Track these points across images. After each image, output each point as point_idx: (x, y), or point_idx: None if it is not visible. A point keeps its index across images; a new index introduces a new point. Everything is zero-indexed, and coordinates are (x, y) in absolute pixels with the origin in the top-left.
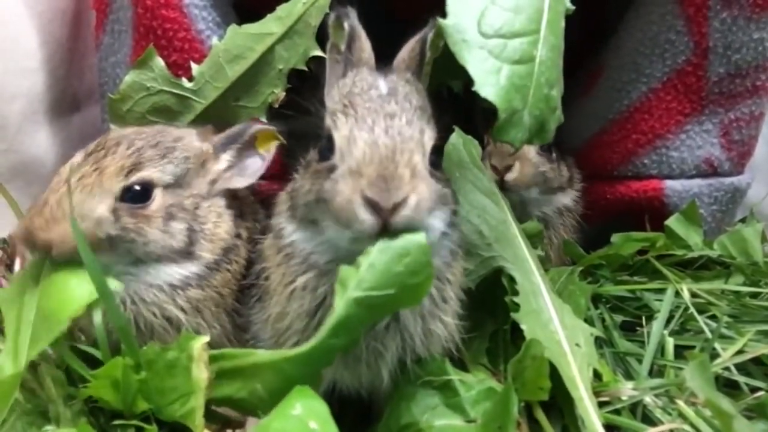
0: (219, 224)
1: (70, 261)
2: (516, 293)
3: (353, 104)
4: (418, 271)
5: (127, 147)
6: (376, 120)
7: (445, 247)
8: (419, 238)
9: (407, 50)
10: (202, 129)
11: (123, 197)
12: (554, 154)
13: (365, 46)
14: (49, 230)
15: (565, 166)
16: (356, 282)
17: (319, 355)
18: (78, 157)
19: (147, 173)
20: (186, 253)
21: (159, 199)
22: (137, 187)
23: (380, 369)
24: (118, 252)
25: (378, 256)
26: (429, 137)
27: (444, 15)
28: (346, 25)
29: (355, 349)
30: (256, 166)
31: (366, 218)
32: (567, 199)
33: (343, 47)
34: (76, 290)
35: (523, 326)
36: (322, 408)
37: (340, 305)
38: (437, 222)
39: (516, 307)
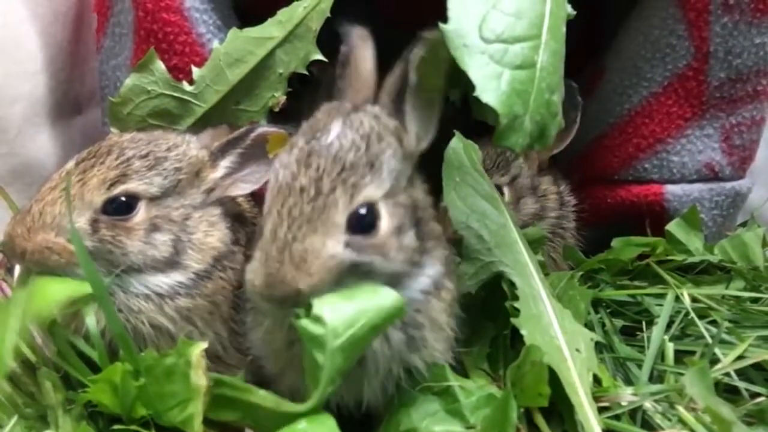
0: (210, 233)
1: (46, 272)
2: (516, 298)
3: (280, 162)
4: (371, 290)
5: (116, 157)
6: (288, 197)
7: (413, 291)
8: None
9: (391, 77)
10: (215, 130)
11: (105, 209)
12: (507, 197)
13: (361, 70)
14: (28, 239)
15: (532, 199)
16: (331, 334)
17: (320, 403)
18: (70, 164)
19: (131, 186)
20: (172, 263)
21: (143, 211)
22: (122, 199)
23: (364, 390)
24: (99, 263)
25: (333, 300)
26: (368, 191)
27: (445, 19)
28: (342, 46)
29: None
30: (261, 171)
31: (267, 307)
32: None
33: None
34: (49, 293)
35: (523, 331)
36: (327, 419)
37: (326, 362)
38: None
39: (516, 312)
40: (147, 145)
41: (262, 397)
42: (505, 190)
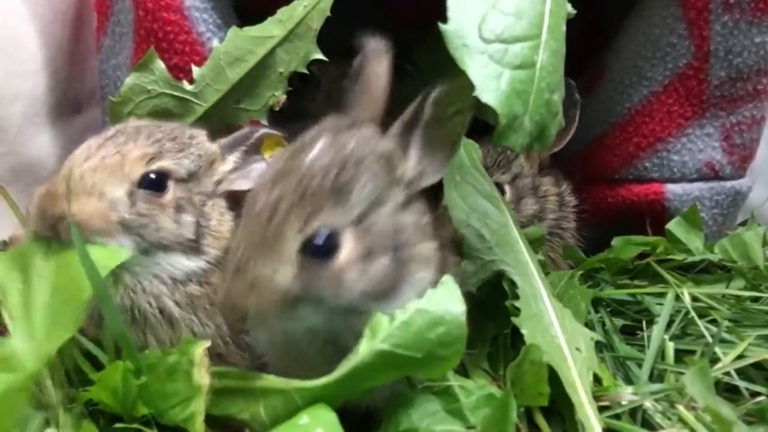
0: (222, 222)
1: (79, 238)
2: (517, 297)
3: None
4: (449, 344)
5: (147, 136)
6: (249, 219)
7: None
8: (458, 309)
9: (411, 107)
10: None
11: (141, 184)
12: (509, 196)
13: (372, 86)
14: (68, 202)
15: (532, 199)
16: (385, 335)
17: (330, 392)
18: (94, 141)
19: (166, 164)
20: (194, 246)
21: (172, 190)
22: (153, 176)
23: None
24: (131, 237)
25: (415, 316)
26: (325, 218)
27: (445, 20)
28: (356, 59)
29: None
30: (260, 169)
31: None
32: None
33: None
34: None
35: (523, 331)
36: (329, 415)
37: (364, 351)
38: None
39: (516, 311)
40: (173, 130)
41: (270, 380)
42: (507, 188)
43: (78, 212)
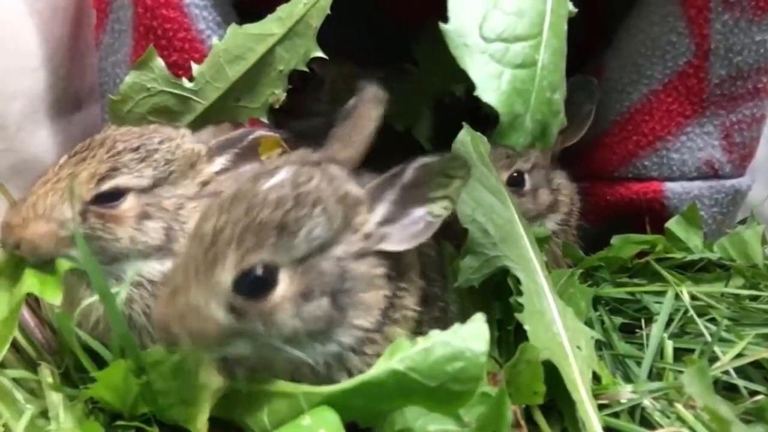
0: None
1: (39, 259)
2: (520, 294)
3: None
4: (464, 380)
5: (107, 150)
6: (193, 240)
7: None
8: (481, 349)
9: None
10: (217, 128)
11: (93, 202)
12: (528, 185)
13: (358, 130)
14: (22, 229)
15: (547, 190)
16: (403, 356)
17: (337, 401)
18: (64, 158)
19: (120, 180)
20: (165, 251)
21: (132, 200)
22: (106, 193)
23: None
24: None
25: (436, 346)
26: (263, 255)
27: (445, 19)
28: (352, 100)
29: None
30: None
31: None
32: (550, 224)
33: None
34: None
35: (526, 327)
36: (331, 416)
37: (379, 369)
38: None
39: (520, 307)
40: (139, 138)
41: (277, 383)
42: (526, 177)
43: (30, 237)
